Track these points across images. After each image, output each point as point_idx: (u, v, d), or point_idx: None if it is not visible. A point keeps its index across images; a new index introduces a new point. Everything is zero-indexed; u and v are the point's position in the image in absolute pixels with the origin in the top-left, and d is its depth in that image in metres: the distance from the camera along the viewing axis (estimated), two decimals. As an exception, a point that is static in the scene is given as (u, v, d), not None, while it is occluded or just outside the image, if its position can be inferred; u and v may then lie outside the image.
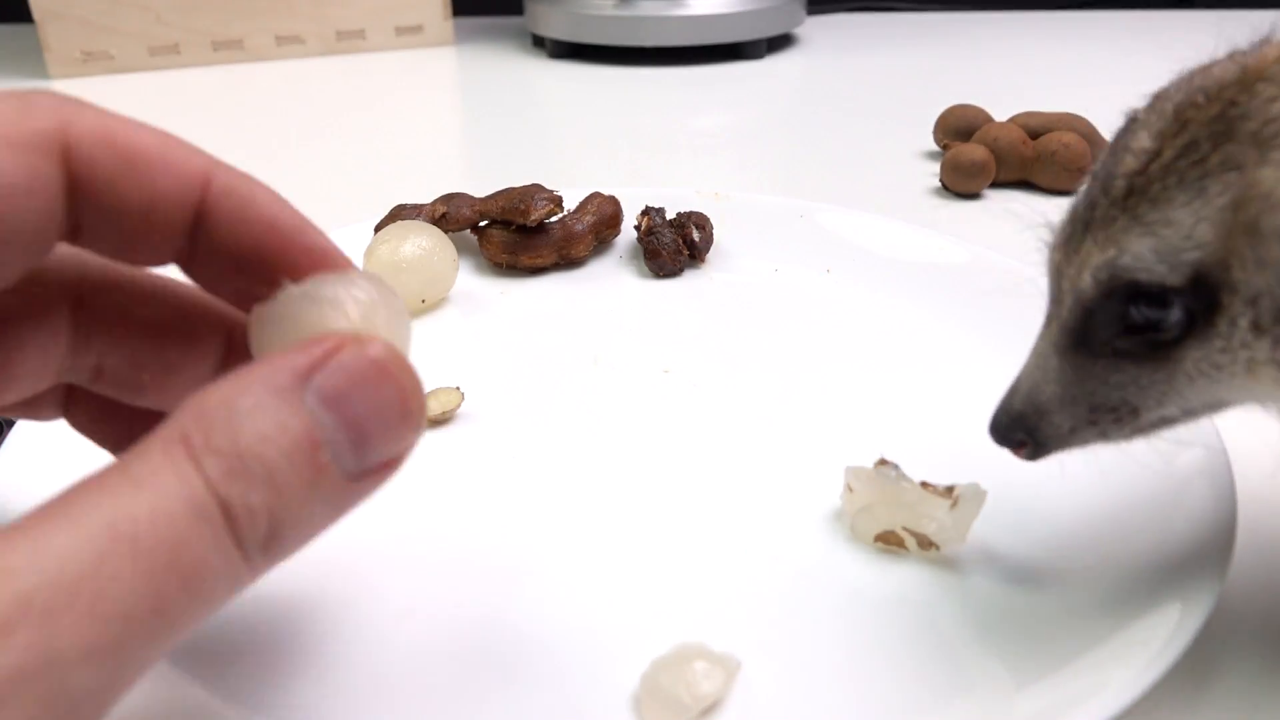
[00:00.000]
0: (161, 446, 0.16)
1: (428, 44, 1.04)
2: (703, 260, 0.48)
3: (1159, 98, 0.22)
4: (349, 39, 1.01)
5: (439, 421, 0.36)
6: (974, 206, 0.58)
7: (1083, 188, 0.22)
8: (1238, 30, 0.22)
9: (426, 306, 0.44)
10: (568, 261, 0.48)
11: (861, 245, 0.47)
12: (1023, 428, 0.23)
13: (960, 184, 0.59)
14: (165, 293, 0.23)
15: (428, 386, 0.37)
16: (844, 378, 0.38)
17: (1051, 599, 0.27)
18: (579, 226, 0.47)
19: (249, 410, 0.17)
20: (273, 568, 0.17)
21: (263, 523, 0.16)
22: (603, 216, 0.48)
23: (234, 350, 0.23)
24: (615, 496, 0.32)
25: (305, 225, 0.21)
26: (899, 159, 0.67)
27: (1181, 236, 0.20)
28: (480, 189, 0.50)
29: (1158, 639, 0.23)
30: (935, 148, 0.67)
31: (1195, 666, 0.25)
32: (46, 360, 0.22)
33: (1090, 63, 0.92)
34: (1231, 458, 0.29)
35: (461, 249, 0.49)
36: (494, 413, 0.36)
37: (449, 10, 1.04)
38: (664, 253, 0.46)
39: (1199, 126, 0.20)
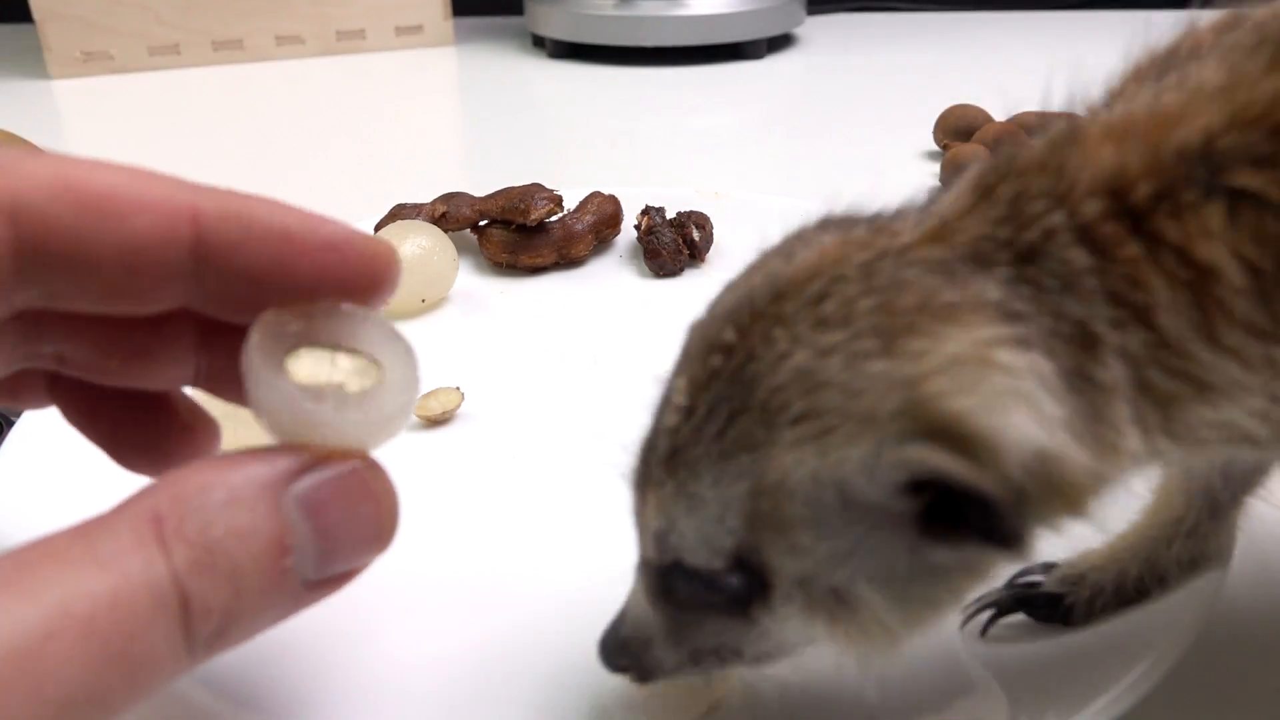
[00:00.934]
0: (130, 525, 0.15)
1: (428, 44, 1.04)
2: (703, 260, 0.48)
3: (713, 305, 0.20)
4: (349, 39, 1.01)
5: (439, 421, 0.36)
6: (974, 206, 0.58)
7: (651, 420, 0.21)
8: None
9: (426, 306, 0.44)
10: (568, 261, 0.48)
11: (861, 245, 0.47)
12: (628, 655, 0.22)
13: (960, 184, 0.58)
14: (127, 270, 0.20)
15: (428, 387, 0.38)
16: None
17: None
18: (579, 226, 0.47)
19: (226, 502, 0.16)
20: (209, 661, 0.16)
21: (216, 620, 0.16)
22: (603, 216, 0.48)
23: (212, 325, 0.21)
24: (615, 496, 0.32)
25: (317, 222, 0.19)
26: (899, 159, 0.66)
27: (714, 520, 0.18)
28: (480, 189, 0.50)
29: (1157, 639, 0.23)
30: (935, 148, 0.67)
31: (1195, 667, 0.25)
32: None
33: (1090, 63, 0.92)
34: (1231, 457, 0.29)
35: (461, 249, 0.49)
36: (494, 413, 0.36)
37: (449, 10, 1.04)
38: (664, 252, 0.46)
39: (722, 383, 0.18)
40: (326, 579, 0.18)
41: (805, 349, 0.17)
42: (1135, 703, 0.22)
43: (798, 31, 1.08)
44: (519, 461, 0.34)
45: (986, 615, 0.26)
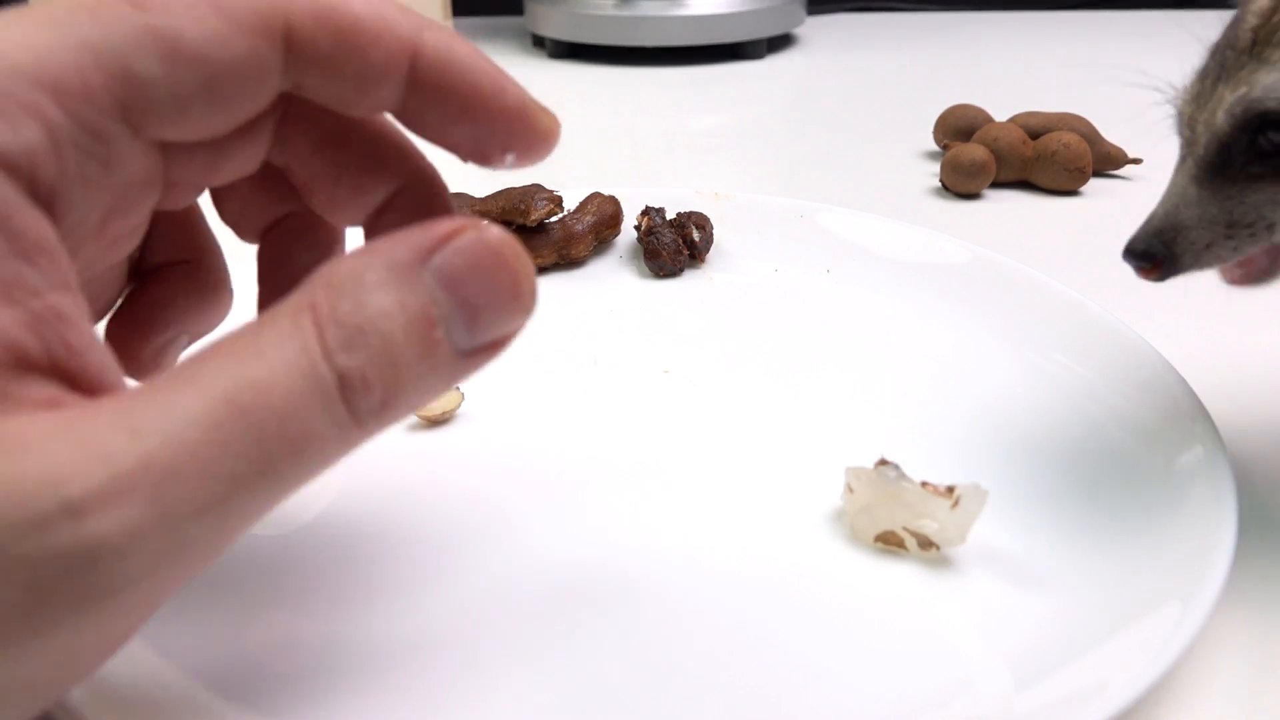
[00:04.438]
0: (291, 313, 0.17)
1: (428, 44, 1.04)
2: (703, 260, 0.48)
3: None
4: (349, 39, 1.00)
5: (439, 421, 0.36)
6: (974, 206, 0.58)
7: (1205, 58, 0.26)
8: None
9: (426, 306, 0.44)
10: (568, 261, 0.48)
11: (861, 245, 0.47)
12: (1161, 243, 0.26)
13: (960, 184, 0.59)
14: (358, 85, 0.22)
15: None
16: (844, 378, 0.38)
17: (1051, 599, 0.27)
18: (579, 226, 0.47)
19: (373, 285, 0.18)
20: (381, 431, 0.18)
21: (377, 392, 0.18)
22: (603, 216, 0.48)
23: (405, 194, 0.25)
24: (615, 497, 0.32)
25: (504, 84, 0.23)
26: (899, 159, 0.67)
27: None
28: (480, 189, 0.50)
29: (1158, 639, 0.23)
30: (935, 148, 0.67)
31: (1195, 666, 0.25)
32: (246, 162, 0.23)
33: (1090, 63, 0.92)
34: (1231, 458, 0.29)
35: (461, 249, 0.48)
36: (494, 413, 0.36)
37: (449, 10, 1.04)
38: (664, 253, 0.46)
39: None
40: (480, 347, 0.20)
41: None
42: (1133, 703, 0.22)
43: (798, 31, 1.08)
44: (519, 461, 0.34)
45: None
